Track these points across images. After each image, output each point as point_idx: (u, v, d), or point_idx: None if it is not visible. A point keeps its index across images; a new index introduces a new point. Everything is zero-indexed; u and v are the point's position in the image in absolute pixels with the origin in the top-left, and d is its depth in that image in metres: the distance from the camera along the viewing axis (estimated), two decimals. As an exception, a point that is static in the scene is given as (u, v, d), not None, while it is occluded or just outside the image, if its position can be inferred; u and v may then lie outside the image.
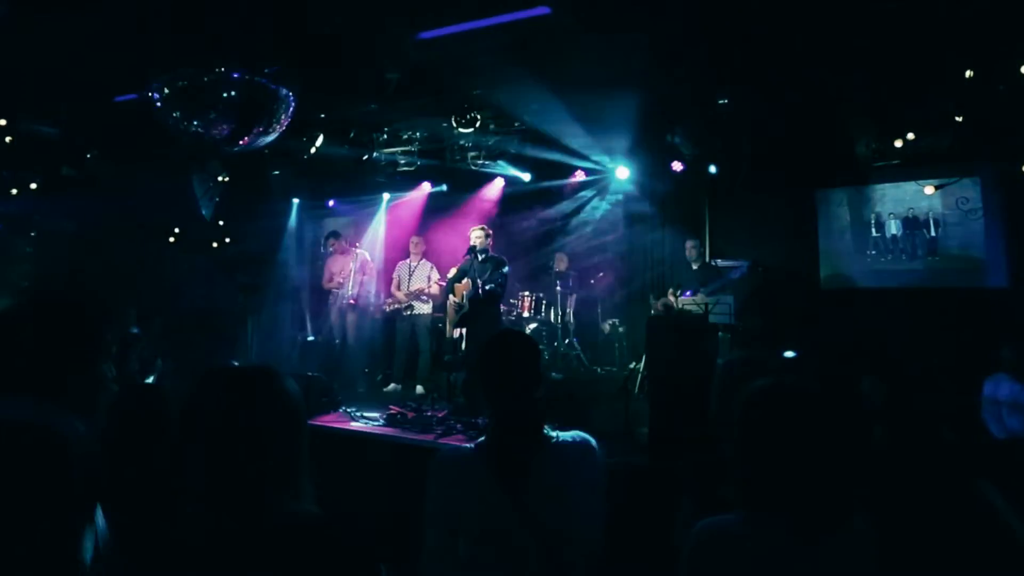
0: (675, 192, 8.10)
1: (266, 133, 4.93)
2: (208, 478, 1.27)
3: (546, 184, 8.76)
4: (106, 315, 1.67)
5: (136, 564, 1.32)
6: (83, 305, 1.64)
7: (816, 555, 1.38)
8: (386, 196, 9.92)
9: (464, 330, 6.77)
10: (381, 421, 5.46)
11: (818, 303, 7.50)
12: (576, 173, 8.54)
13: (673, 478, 3.92)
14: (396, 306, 7.89)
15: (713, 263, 7.50)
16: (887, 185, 7.35)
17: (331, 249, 8.68)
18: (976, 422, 4.83)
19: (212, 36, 4.60)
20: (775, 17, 4.61)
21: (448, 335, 7.59)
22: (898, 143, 6.11)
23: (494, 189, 9.09)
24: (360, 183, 9.29)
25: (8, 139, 7.11)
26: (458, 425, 5.19)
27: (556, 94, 6.19)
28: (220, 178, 8.35)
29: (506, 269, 6.56)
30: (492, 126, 7.24)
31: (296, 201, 10.30)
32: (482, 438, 1.91)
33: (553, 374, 7.35)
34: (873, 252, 7.46)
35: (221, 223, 9.72)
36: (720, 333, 6.28)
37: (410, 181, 9.33)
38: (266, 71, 4.73)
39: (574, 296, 8.48)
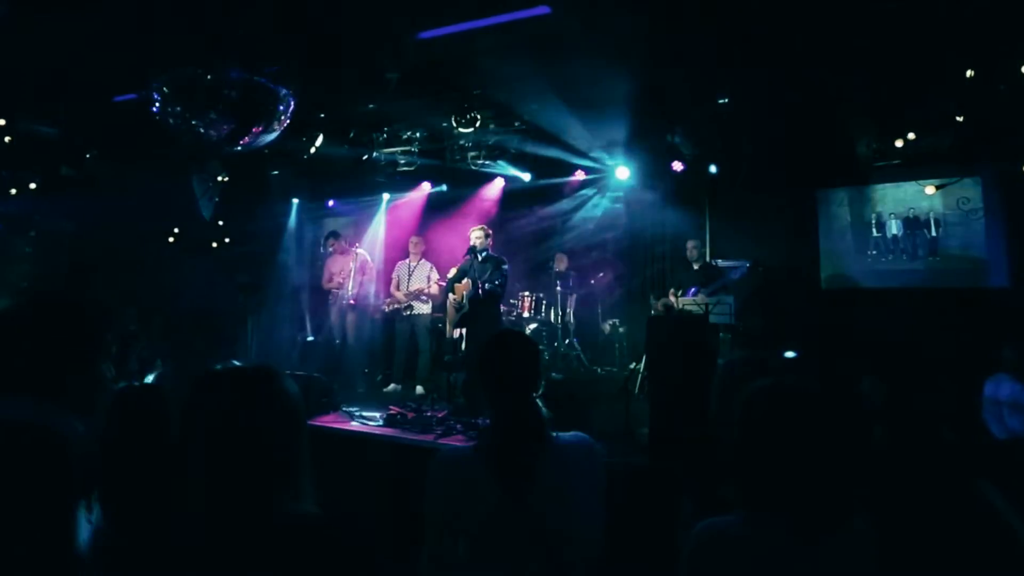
0: (675, 192, 8.09)
1: (265, 133, 4.93)
2: (208, 478, 1.27)
3: (546, 184, 8.74)
4: (105, 315, 1.67)
5: (136, 564, 1.32)
6: (82, 305, 1.64)
7: (816, 555, 1.37)
8: (386, 196, 9.92)
9: (464, 330, 6.76)
10: (381, 421, 5.44)
11: (819, 303, 7.50)
12: (576, 173, 8.53)
13: (673, 478, 3.92)
14: (396, 306, 7.88)
15: (714, 263, 7.50)
16: (888, 185, 7.35)
17: (331, 249, 8.68)
18: (977, 422, 4.83)
19: (212, 36, 4.59)
20: (775, 17, 4.61)
21: (448, 335, 7.58)
22: (899, 143, 6.11)
23: (494, 189, 9.08)
24: (360, 183, 9.29)
25: (7, 139, 7.11)
26: (458, 425, 5.18)
27: (556, 94, 6.19)
28: (220, 178, 8.34)
29: (506, 269, 6.56)
30: (492, 126, 7.23)
31: (296, 201, 10.30)
32: (482, 438, 1.91)
33: (553, 374, 7.33)
34: (874, 252, 7.46)
35: (221, 223, 9.73)
36: (721, 333, 6.28)
37: (410, 181, 9.33)
38: (266, 71, 4.73)
39: (574, 296, 8.47)
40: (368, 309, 8.48)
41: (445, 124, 7.14)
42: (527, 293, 8.15)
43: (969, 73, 5.08)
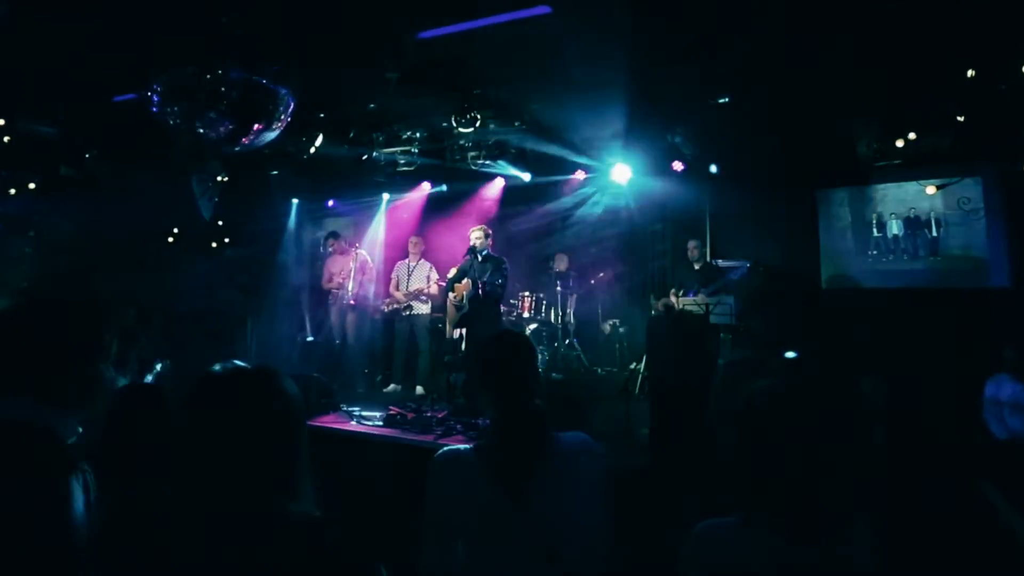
0: (676, 192, 8.08)
1: (265, 133, 4.92)
2: (207, 479, 1.26)
3: (546, 184, 8.74)
4: (105, 315, 1.67)
5: (136, 564, 1.31)
6: (82, 305, 1.63)
7: (815, 557, 1.37)
8: (386, 196, 9.92)
9: (464, 330, 6.76)
10: (381, 422, 5.44)
11: (819, 303, 7.50)
12: (576, 173, 8.52)
13: (674, 479, 3.92)
14: (395, 306, 7.88)
15: (714, 263, 7.49)
16: (888, 185, 7.35)
17: (330, 249, 8.68)
18: (978, 423, 4.82)
19: (212, 36, 4.59)
20: (776, 16, 4.60)
21: (448, 336, 7.58)
22: (899, 143, 6.10)
23: (494, 189, 9.08)
24: (360, 183, 9.28)
25: (7, 139, 7.10)
26: (458, 426, 5.18)
27: (556, 93, 6.19)
28: (219, 178, 8.33)
29: (506, 269, 6.55)
30: (492, 125, 7.22)
31: (295, 201, 10.30)
32: (482, 439, 1.90)
33: (553, 375, 7.33)
34: (874, 252, 7.46)
35: (220, 223, 9.72)
36: (721, 334, 6.28)
37: (410, 181, 9.32)
38: (266, 71, 4.72)
39: (574, 296, 8.47)
40: (368, 309, 8.48)
41: (445, 124, 7.14)
42: (527, 293, 8.15)
43: (970, 73, 5.08)
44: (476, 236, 6.57)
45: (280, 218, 10.24)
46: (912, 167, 6.96)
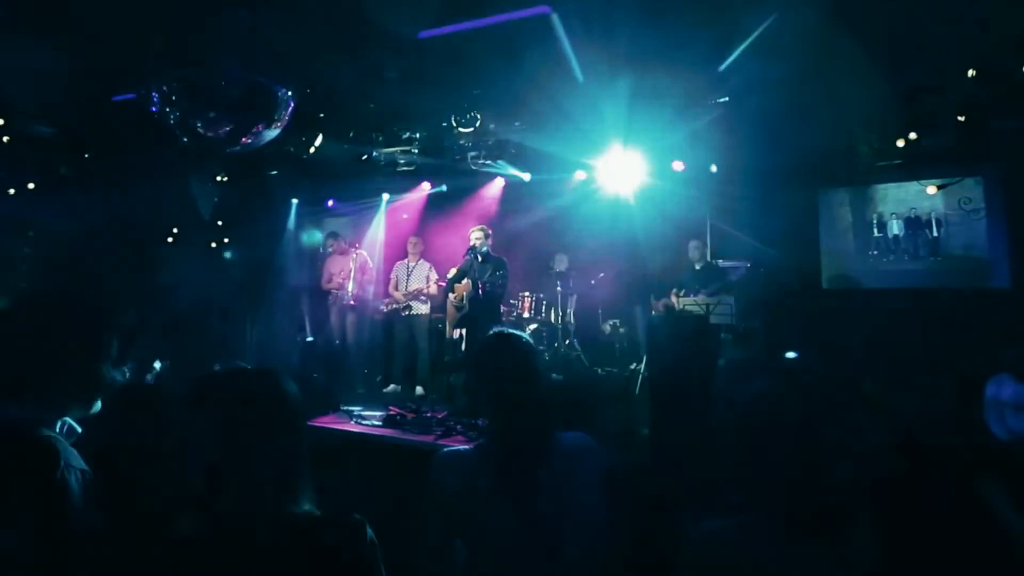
0: (676, 192, 8.07)
1: (265, 132, 4.91)
2: (207, 479, 1.26)
3: (546, 184, 8.72)
4: (104, 316, 1.67)
5: (134, 566, 1.31)
6: (81, 306, 1.63)
7: (815, 557, 1.36)
8: (385, 196, 9.91)
9: (464, 331, 6.75)
10: (380, 422, 5.43)
11: (820, 303, 7.49)
12: (577, 172, 8.51)
13: (674, 480, 3.92)
14: (394, 306, 7.87)
15: (715, 263, 7.49)
16: (889, 185, 7.35)
17: (330, 249, 8.67)
18: (979, 423, 4.82)
19: (212, 36, 4.58)
20: (777, 15, 4.60)
21: (448, 336, 7.58)
22: (900, 143, 6.09)
23: (494, 189, 9.07)
24: (359, 183, 9.27)
25: (6, 139, 7.09)
26: (458, 426, 5.17)
27: (556, 93, 6.18)
28: (219, 178, 8.33)
29: (506, 269, 6.55)
30: (492, 126, 7.22)
31: (295, 201, 10.29)
32: (483, 439, 1.90)
33: (554, 375, 7.32)
34: (875, 252, 7.45)
35: (220, 223, 9.71)
36: (722, 334, 6.27)
37: (410, 181, 9.31)
38: (265, 70, 4.72)
39: (574, 296, 8.46)
40: (368, 309, 8.47)
41: (445, 124, 7.13)
42: (527, 293, 8.15)
43: (971, 72, 5.07)
44: (476, 236, 6.56)
45: (279, 218, 10.23)
46: (913, 167, 6.96)
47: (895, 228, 7.35)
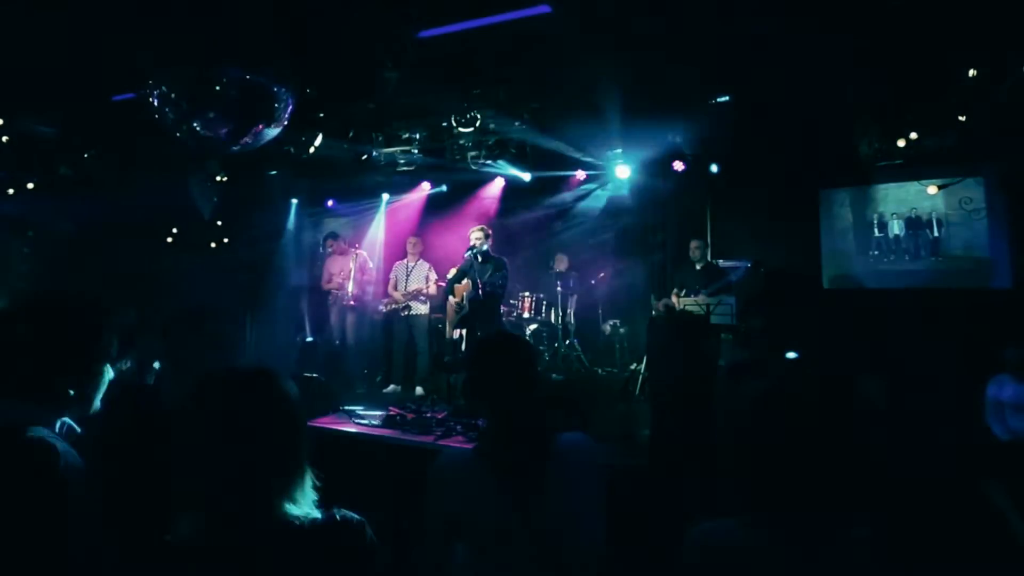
0: (676, 192, 8.07)
1: (264, 132, 4.90)
2: (207, 480, 1.25)
3: (546, 184, 8.73)
4: (104, 316, 1.66)
5: (134, 567, 1.30)
6: (81, 306, 1.63)
7: (815, 559, 1.36)
8: (385, 196, 9.92)
9: (464, 331, 6.74)
10: (380, 422, 5.42)
11: (820, 304, 7.48)
12: (577, 172, 8.51)
13: (675, 480, 3.91)
14: (393, 306, 7.86)
15: (716, 263, 7.48)
16: (890, 185, 7.34)
17: (330, 250, 8.66)
18: (979, 424, 4.82)
19: (212, 35, 4.57)
20: (777, 15, 4.59)
21: (448, 336, 7.56)
22: (901, 142, 6.07)
23: (494, 189, 9.07)
24: (359, 183, 9.27)
25: (5, 139, 7.09)
26: (458, 427, 5.16)
27: (556, 93, 6.18)
28: (218, 178, 8.32)
29: (506, 270, 6.54)
30: (492, 126, 7.21)
31: (295, 201, 10.29)
32: (482, 440, 1.90)
33: (554, 375, 7.32)
34: (876, 252, 7.44)
35: (220, 223, 9.71)
36: (722, 334, 6.26)
37: (410, 181, 9.31)
38: (265, 70, 4.71)
39: (575, 297, 8.46)
40: (368, 310, 8.47)
41: (445, 124, 7.13)
42: (527, 293, 8.14)
43: (972, 72, 5.07)
44: (476, 236, 6.55)
45: (279, 218, 10.23)
46: (914, 167, 6.94)
47: (896, 228, 7.34)
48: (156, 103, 4.56)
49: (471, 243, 6.56)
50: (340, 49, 5.24)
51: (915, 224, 7.24)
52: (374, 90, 5.90)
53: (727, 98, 6.10)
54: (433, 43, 5.10)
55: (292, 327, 9.55)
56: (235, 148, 4.96)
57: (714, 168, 7.45)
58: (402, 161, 8.37)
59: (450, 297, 7.16)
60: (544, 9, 4.59)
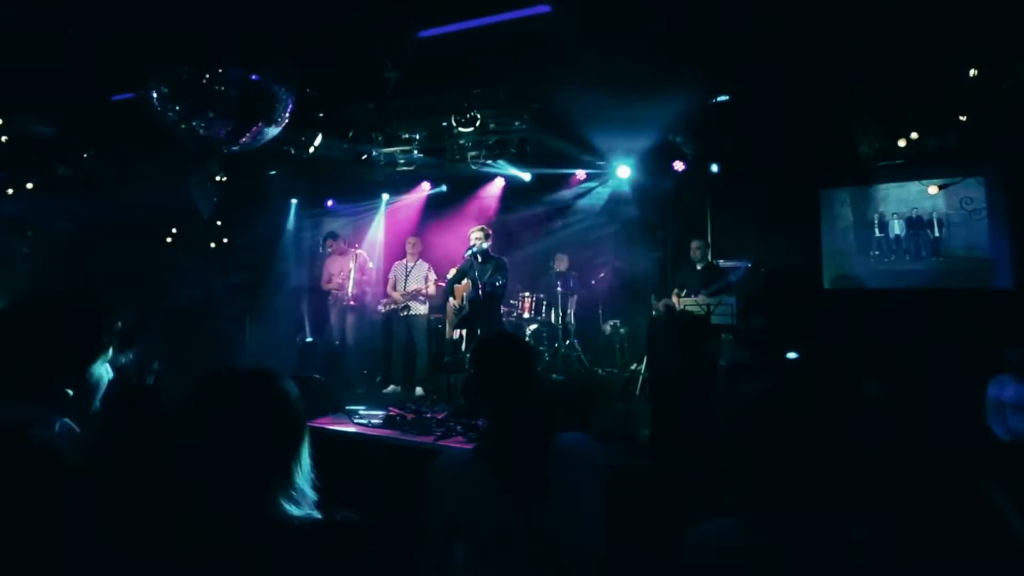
0: (677, 192, 8.07)
1: (264, 132, 4.90)
2: (207, 480, 1.25)
3: (547, 184, 8.73)
4: (103, 316, 1.66)
5: (134, 567, 1.30)
6: (80, 306, 1.63)
7: (815, 559, 1.36)
8: (385, 196, 9.91)
9: (464, 331, 6.74)
10: (380, 423, 5.42)
11: (821, 304, 7.48)
12: (577, 172, 8.51)
13: (675, 480, 3.91)
14: (392, 307, 7.85)
15: (716, 263, 7.48)
16: (891, 185, 7.34)
17: (329, 250, 8.66)
18: (980, 424, 4.82)
19: (211, 35, 4.57)
20: (778, 15, 4.59)
21: (448, 336, 7.56)
22: (902, 142, 6.07)
23: (494, 189, 9.07)
24: (359, 183, 9.27)
25: (4, 139, 7.08)
26: (458, 427, 5.16)
27: (556, 93, 6.17)
28: (218, 178, 8.32)
29: (506, 270, 6.53)
30: (492, 125, 7.21)
31: (294, 201, 10.29)
32: (482, 440, 1.90)
33: (554, 375, 7.31)
34: (876, 252, 7.44)
35: (219, 223, 9.70)
36: (723, 334, 6.26)
37: (409, 181, 9.31)
38: (265, 70, 4.71)
39: (575, 297, 8.45)
40: (368, 310, 8.47)
41: (445, 124, 7.12)
42: (527, 293, 8.14)
43: (973, 72, 5.07)
44: (476, 236, 6.54)
45: (279, 218, 10.23)
46: (914, 167, 6.95)
47: (896, 228, 7.34)
48: (156, 103, 4.57)
49: (471, 243, 6.55)
50: (340, 49, 5.24)
51: (916, 224, 7.24)
52: (374, 90, 5.90)
53: (727, 98, 6.09)
54: (433, 43, 5.09)
55: (292, 327, 9.54)
56: (235, 148, 4.96)
57: (714, 168, 7.44)
58: (402, 161, 8.36)
59: (450, 298, 7.16)
60: (544, 9, 4.59)
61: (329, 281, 8.40)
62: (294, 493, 1.29)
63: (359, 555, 1.30)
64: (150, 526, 1.33)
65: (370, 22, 4.87)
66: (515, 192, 8.95)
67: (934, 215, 7.14)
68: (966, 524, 3.71)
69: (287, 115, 4.93)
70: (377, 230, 10.01)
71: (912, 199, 7.24)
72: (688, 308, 6.68)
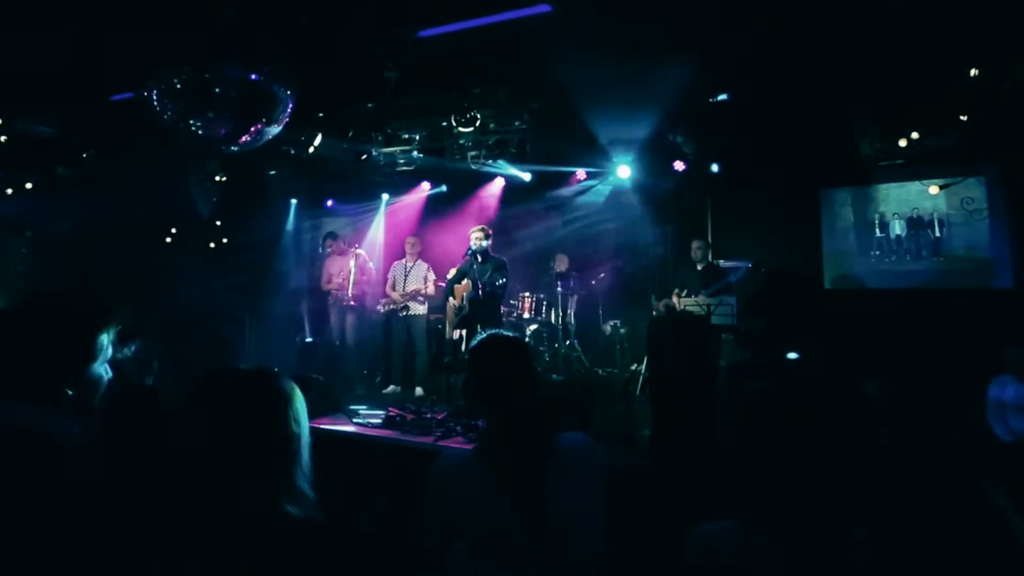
0: (677, 192, 8.07)
1: (264, 132, 4.89)
2: (207, 480, 1.25)
3: (546, 184, 8.73)
4: (102, 316, 1.66)
5: (134, 567, 1.30)
6: (79, 306, 1.63)
7: (815, 560, 1.36)
8: (385, 196, 9.91)
9: (464, 332, 6.73)
10: (380, 423, 5.42)
11: (821, 304, 7.48)
12: (577, 172, 8.51)
13: (675, 481, 3.90)
14: (391, 307, 7.84)
15: (717, 264, 7.48)
16: (891, 185, 7.34)
17: (329, 250, 8.65)
18: (981, 424, 4.81)
19: (211, 35, 4.57)
20: (779, 15, 4.59)
21: (448, 337, 7.55)
22: (902, 142, 6.07)
23: (494, 189, 9.07)
24: (359, 183, 9.27)
25: (3, 138, 7.08)
26: (458, 427, 5.15)
27: (556, 93, 6.17)
28: (218, 178, 8.32)
29: (506, 270, 6.53)
30: (492, 125, 7.21)
31: (294, 201, 10.29)
32: (482, 441, 1.89)
33: (554, 376, 7.30)
34: (877, 252, 7.44)
35: (218, 224, 9.70)
36: (723, 334, 6.25)
37: (409, 181, 9.31)
38: (264, 70, 4.70)
39: (575, 297, 8.44)
40: (368, 310, 8.46)
41: (445, 124, 7.12)
42: (527, 294, 8.13)
43: (973, 72, 5.07)
44: (476, 236, 6.53)
45: (278, 218, 10.23)
46: (915, 167, 6.95)
47: (897, 228, 7.34)
48: (155, 103, 4.56)
49: (471, 243, 6.54)
50: (340, 49, 5.24)
51: (916, 224, 7.24)
52: (374, 90, 5.90)
53: (727, 97, 6.09)
54: (433, 43, 5.09)
55: (292, 328, 9.53)
56: (235, 148, 4.96)
57: (714, 168, 7.44)
58: (402, 161, 8.36)
59: (450, 298, 7.15)
60: (544, 8, 4.59)
61: (329, 281, 8.39)
62: (294, 493, 1.29)
63: (358, 555, 1.30)
64: (150, 526, 1.33)
65: (370, 22, 4.87)
66: (515, 192, 8.95)
67: (935, 215, 7.14)
68: (966, 524, 3.71)
69: (286, 116, 4.93)
70: (377, 230, 10.01)
71: (913, 199, 7.24)
72: (688, 308, 6.67)
